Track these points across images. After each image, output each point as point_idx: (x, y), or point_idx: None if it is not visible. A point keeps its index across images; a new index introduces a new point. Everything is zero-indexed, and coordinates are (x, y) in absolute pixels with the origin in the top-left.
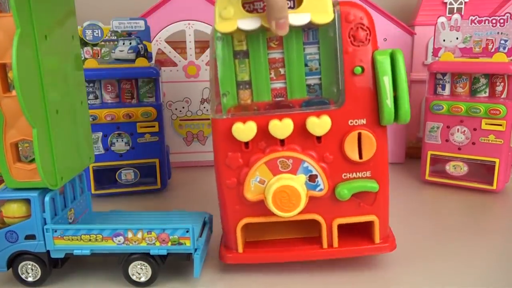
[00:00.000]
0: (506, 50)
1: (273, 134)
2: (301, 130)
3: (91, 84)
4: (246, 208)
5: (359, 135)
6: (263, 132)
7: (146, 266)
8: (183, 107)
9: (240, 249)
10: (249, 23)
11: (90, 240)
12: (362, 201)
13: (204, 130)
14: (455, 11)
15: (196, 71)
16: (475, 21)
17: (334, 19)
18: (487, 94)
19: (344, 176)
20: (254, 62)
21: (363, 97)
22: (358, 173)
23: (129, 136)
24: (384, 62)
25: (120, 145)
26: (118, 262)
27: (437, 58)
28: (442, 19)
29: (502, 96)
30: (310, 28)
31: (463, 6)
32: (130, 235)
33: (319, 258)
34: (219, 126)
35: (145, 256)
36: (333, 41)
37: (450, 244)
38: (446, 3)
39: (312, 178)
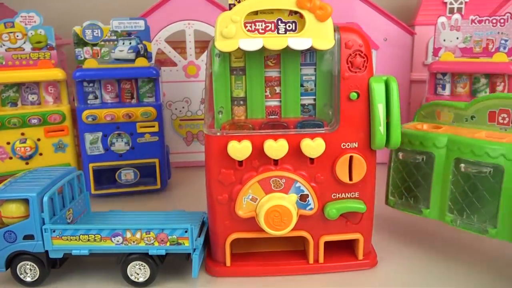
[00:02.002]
0: (506, 50)
1: (268, 155)
2: (295, 151)
3: (91, 84)
4: (235, 223)
5: (351, 158)
6: (257, 151)
7: (145, 266)
8: (183, 107)
9: (228, 263)
10: (251, 44)
11: (88, 240)
12: (348, 220)
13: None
14: (455, 11)
15: (196, 71)
16: (475, 21)
17: (334, 45)
18: (487, 94)
19: (334, 196)
20: (250, 79)
21: (357, 122)
22: (347, 194)
23: (129, 136)
24: (379, 90)
25: (120, 145)
26: (117, 262)
27: (437, 58)
28: (442, 19)
29: None
30: (308, 50)
31: (463, 6)
32: (128, 235)
33: (305, 273)
34: (213, 142)
35: (144, 256)
36: (330, 64)
37: (450, 244)
38: (446, 3)
39: (303, 197)
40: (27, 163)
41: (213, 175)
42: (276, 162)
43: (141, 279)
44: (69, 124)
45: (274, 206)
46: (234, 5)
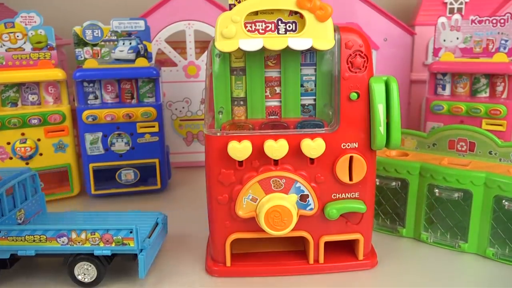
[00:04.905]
0: (506, 50)
1: (268, 155)
2: (295, 151)
3: (91, 84)
4: (236, 223)
5: (351, 158)
6: (258, 151)
7: (91, 267)
8: (183, 107)
9: (228, 263)
10: (251, 44)
11: (34, 240)
12: (349, 220)
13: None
14: (455, 11)
15: (196, 71)
16: (476, 21)
17: (334, 45)
18: (487, 94)
19: (334, 196)
20: (250, 79)
21: (357, 122)
22: (347, 194)
23: (129, 136)
24: (379, 90)
25: (120, 145)
26: (64, 262)
27: (437, 58)
28: (442, 19)
29: (503, 96)
30: (308, 50)
31: (463, 6)
32: (73, 235)
33: (305, 273)
34: (214, 142)
35: (90, 257)
36: (330, 64)
37: None
38: (446, 3)
39: (303, 197)
40: (27, 163)
41: (213, 175)
42: (276, 162)
43: (87, 280)
44: (69, 124)
45: (274, 206)
46: (234, 5)
